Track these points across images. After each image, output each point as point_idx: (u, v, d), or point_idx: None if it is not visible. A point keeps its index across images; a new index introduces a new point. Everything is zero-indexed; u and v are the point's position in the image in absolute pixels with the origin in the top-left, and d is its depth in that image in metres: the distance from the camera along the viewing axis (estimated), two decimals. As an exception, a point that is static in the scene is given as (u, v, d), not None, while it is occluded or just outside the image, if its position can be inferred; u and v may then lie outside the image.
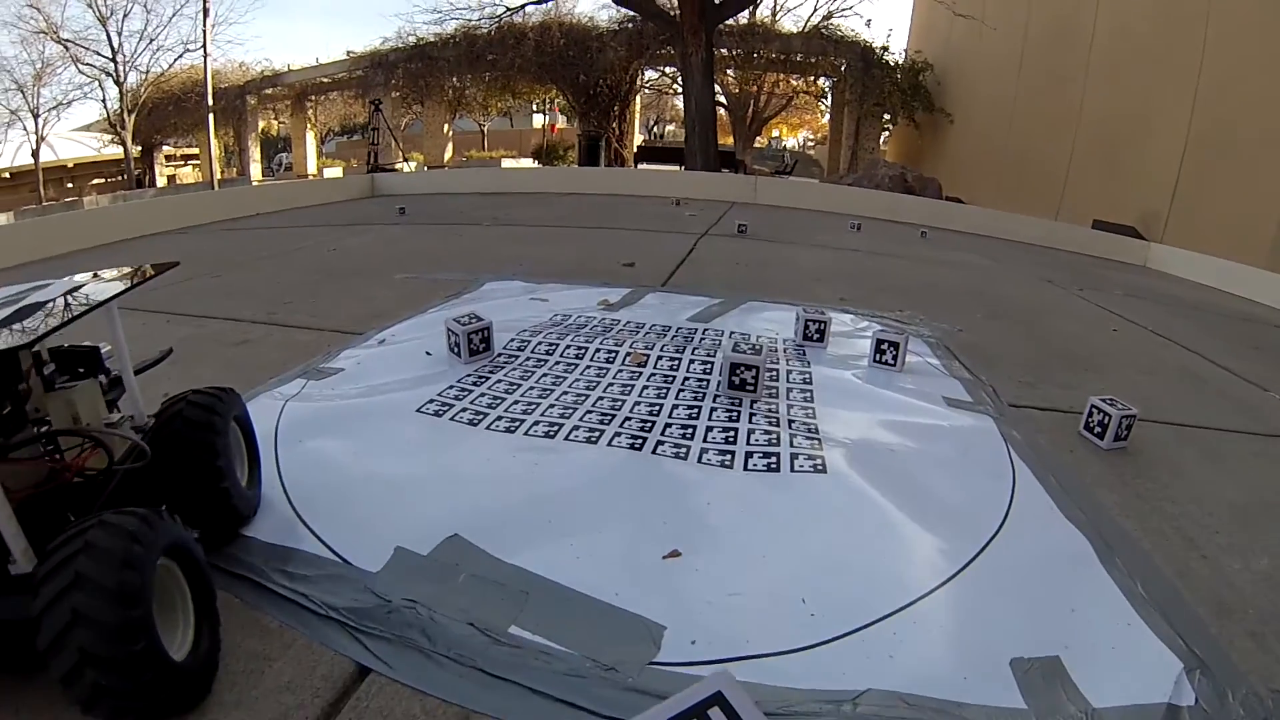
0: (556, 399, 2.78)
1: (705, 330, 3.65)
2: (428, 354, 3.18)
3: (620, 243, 6.48)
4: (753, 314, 4.09)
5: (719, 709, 1.09)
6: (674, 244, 6.49)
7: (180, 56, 24.32)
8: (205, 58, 18.12)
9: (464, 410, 2.67)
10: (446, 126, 27.08)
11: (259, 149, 27.77)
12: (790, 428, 2.60)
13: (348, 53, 25.45)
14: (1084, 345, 4.38)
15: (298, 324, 3.83)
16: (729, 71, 25.05)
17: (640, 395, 2.83)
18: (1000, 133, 17.41)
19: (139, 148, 25.55)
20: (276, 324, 3.83)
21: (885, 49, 22.76)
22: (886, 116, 22.77)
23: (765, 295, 4.60)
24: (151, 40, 23.84)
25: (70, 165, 26.56)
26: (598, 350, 3.21)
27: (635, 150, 24.45)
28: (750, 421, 2.63)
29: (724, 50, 22.17)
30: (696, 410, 2.72)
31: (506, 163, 25.82)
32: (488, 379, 2.94)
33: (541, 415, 2.64)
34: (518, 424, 2.57)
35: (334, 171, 21.98)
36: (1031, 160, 15.90)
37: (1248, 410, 3.59)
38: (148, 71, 24.31)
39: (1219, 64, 11.41)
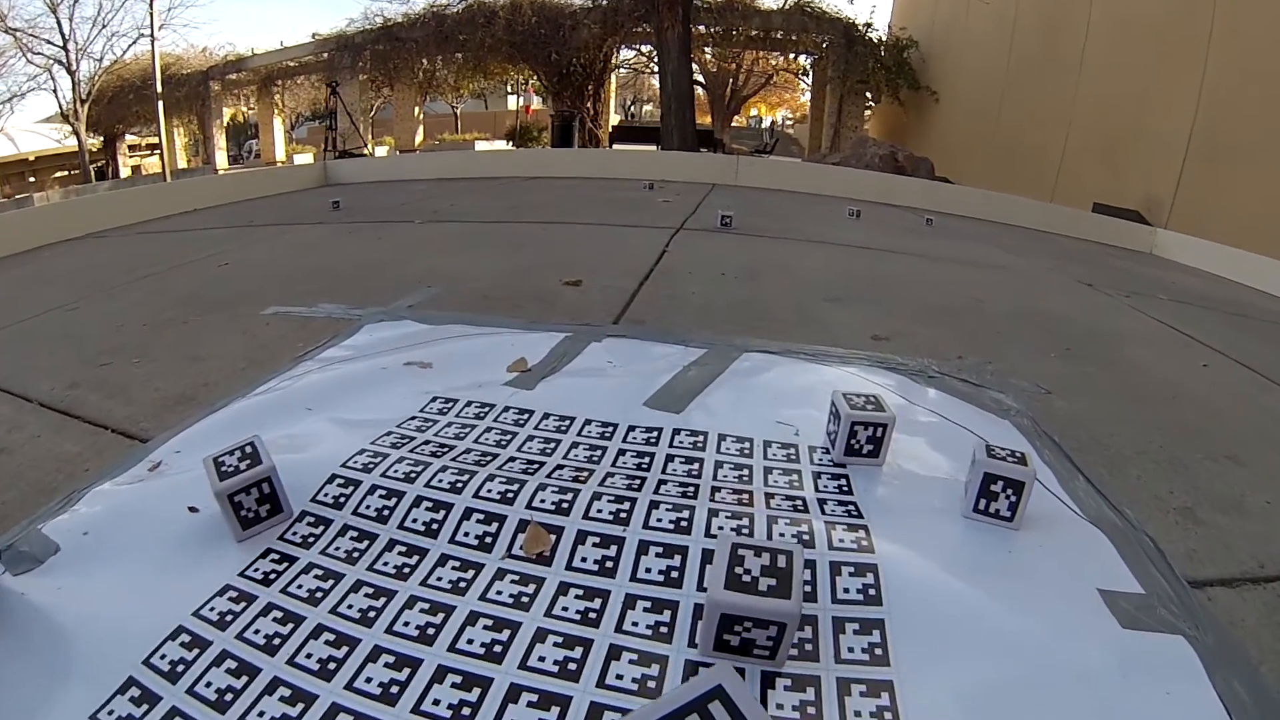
0: (385, 632, 1.26)
1: (675, 437, 1.98)
2: (192, 510, 1.59)
3: (575, 243, 4.90)
4: (753, 383, 2.39)
5: (719, 703, 0.90)
6: (641, 243, 4.89)
7: (135, 42, 22.51)
8: (153, 42, 16.32)
9: (219, 664, 1.18)
10: (417, 109, 25.82)
11: (224, 136, 25.86)
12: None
13: (313, 35, 24.01)
14: (1193, 402, 2.93)
15: (86, 412, 2.29)
16: (707, 50, 23.82)
17: (533, 656, 1.21)
18: (990, 111, 16.19)
19: (100, 138, 23.56)
20: (60, 410, 2.30)
21: (869, 25, 21.68)
22: (869, 95, 21.45)
23: (766, 332, 3.04)
24: (104, 26, 21.79)
25: (31, 159, 24.54)
26: (467, 519, 1.53)
27: (610, 130, 22.83)
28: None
29: (702, 28, 20.99)
30: (652, 683, 1.15)
31: (480, 145, 24.26)
32: (274, 577, 1.41)
33: (352, 680, 1.15)
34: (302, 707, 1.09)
35: (304, 157, 20.41)
36: (1024, 140, 14.69)
37: None
38: (102, 59, 22.27)
39: (1227, 43, 10.24)
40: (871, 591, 1.41)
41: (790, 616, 1.14)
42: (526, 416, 2.07)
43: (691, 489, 1.71)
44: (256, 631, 1.26)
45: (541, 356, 2.56)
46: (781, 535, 1.54)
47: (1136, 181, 11.67)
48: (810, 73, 25.59)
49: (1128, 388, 3.01)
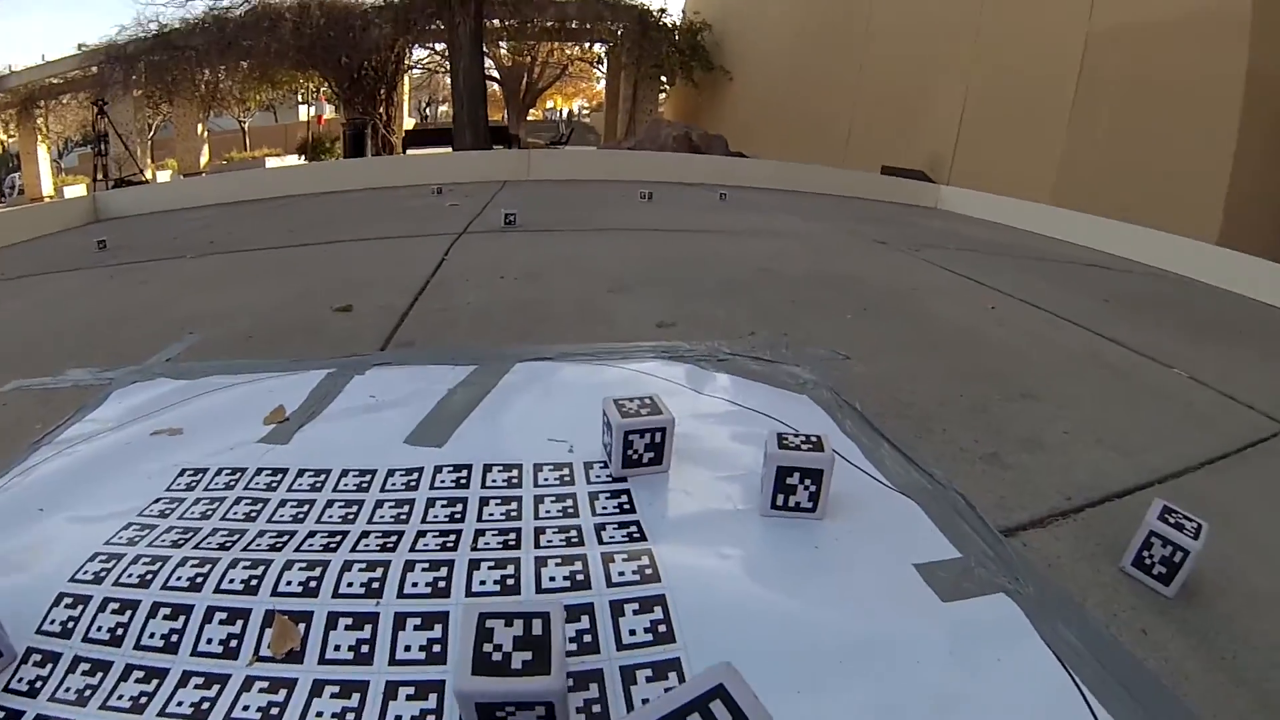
0: None
1: (437, 476, 1.73)
2: None
3: (352, 262, 4.48)
4: (523, 398, 2.17)
5: (720, 702, 0.89)
6: (421, 254, 4.54)
7: None
8: None
9: None
10: (200, 127, 23.43)
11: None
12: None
13: (79, 47, 20.83)
14: (987, 345, 3.04)
15: None
16: (501, 44, 23.37)
17: None
18: (782, 87, 17.09)
19: None
20: None
21: (663, 11, 21.99)
22: (664, 79, 21.97)
23: (544, 336, 2.81)
24: None
25: None
26: (209, 621, 1.27)
27: (404, 135, 21.95)
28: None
29: (495, 22, 20.46)
30: None
31: (271, 162, 22.36)
32: None
33: None
34: None
35: (76, 189, 17.73)
36: (815, 111, 15.55)
37: (1188, 410, 2.62)
38: None
39: (994, 24, 11.44)
40: (662, 628, 1.22)
41: (553, 695, 0.98)
42: (279, 478, 1.76)
43: (452, 538, 1.47)
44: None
45: (301, 401, 2.21)
46: (552, 580, 1.32)
47: (921, 143, 12.58)
48: (605, 61, 25.90)
49: (926, 340, 3.05)
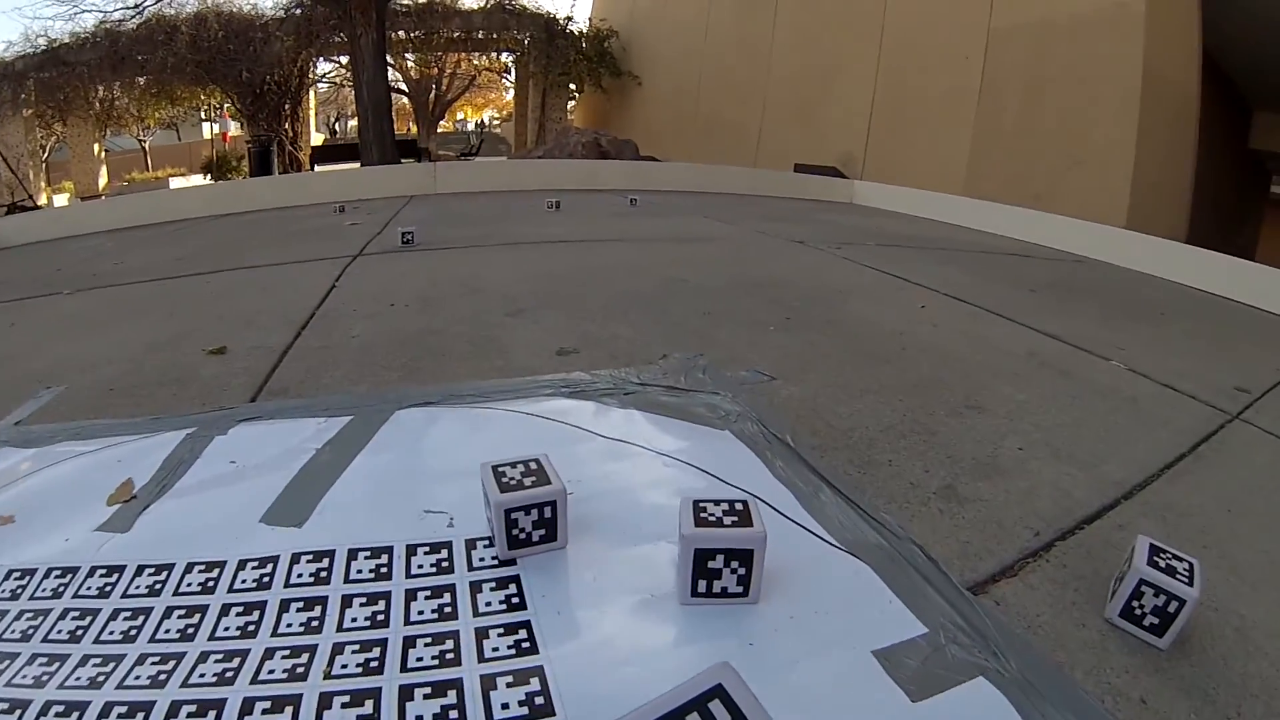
0: None
1: (294, 569, 1.38)
2: None
3: (238, 293, 3.99)
4: (398, 456, 1.81)
5: (719, 702, 0.86)
6: (311, 282, 4.08)
7: None
8: None
9: None
10: (98, 146, 21.86)
11: None
12: None
13: None
14: (923, 350, 2.81)
15: None
16: (408, 56, 22.77)
17: None
18: (691, 91, 17.08)
19: None
20: None
21: (569, 19, 21.76)
22: (573, 86, 21.73)
23: (433, 373, 2.45)
24: None
25: None
26: None
27: (311, 151, 21.09)
28: None
29: (401, 33, 19.87)
30: None
31: (176, 182, 21.07)
32: None
33: None
34: None
35: None
36: (724, 114, 15.54)
37: (1133, 406, 2.52)
38: None
39: (898, 24, 11.67)
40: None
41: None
42: (115, 579, 1.40)
43: (304, 662, 1.13)
44: None
45: (152, 472, 1.80)
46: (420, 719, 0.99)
47: (832, 141, 12.59)
48: (513, 70, 25.49)
49: (857, 349, 2.80)
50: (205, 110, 24.78)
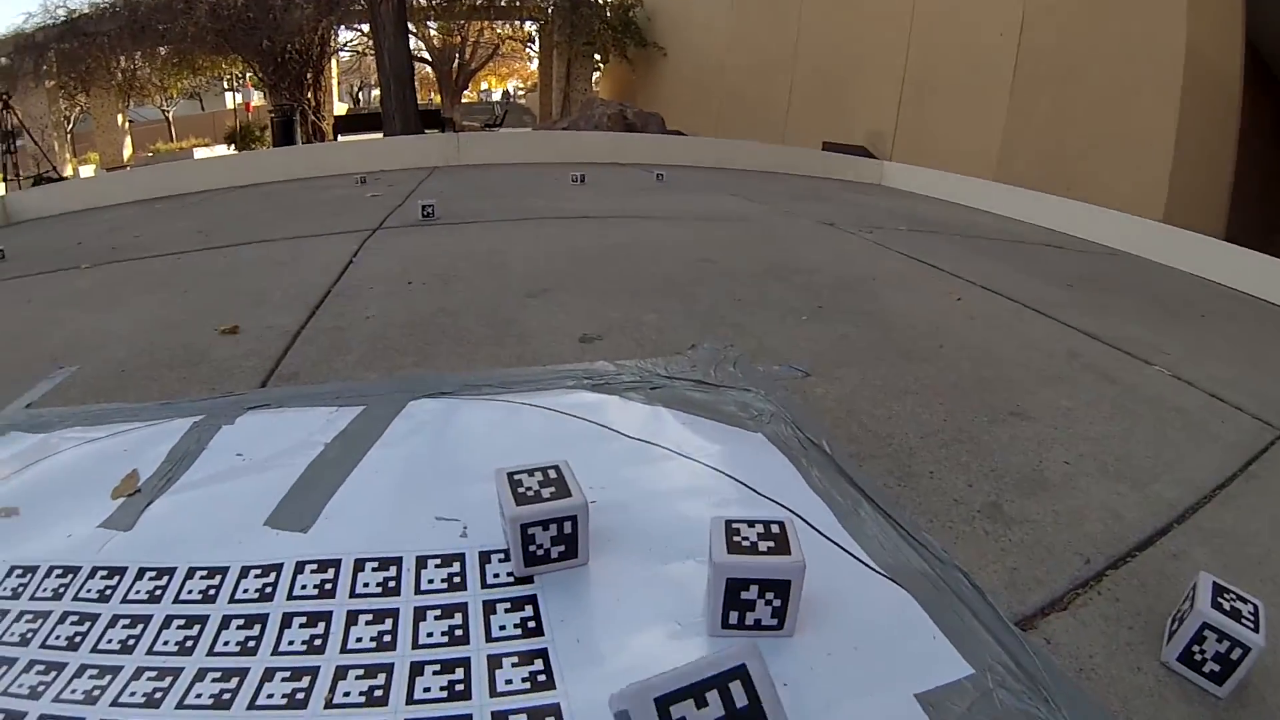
0: None
1: (298, 578, 1.30)
2: None
3: (253, 269, 3.91)
4: (410, 454, 1.70)
5: (740, 684, 0.85)
6: (328, 258, 3.98)
7: None
8: None
9: None
10: (121, 117, 21.99)
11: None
12: None
13: None
14: (960, 348, 2.69)
15: None
16: (431, 25, 22.63)
17: None
18: (717, 62, 16.73)
19: None
20: None
21: None
22: (598, 56, 21.47)
23: (448, 358, 2.36)
24: None
25: None
26: None
27: (334, 121, 21.01)
28: None
29: (421, 0, 19.65)
30: None
31: (200, 152, 21.11)
32: None
33: None
34: None
35: None
36: (752, 87, 15.21)
37: (1182, 418, 2.38)
38: None
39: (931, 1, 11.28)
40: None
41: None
42: (116, 581, 1.36)
43: (305, 685, 1.07)
44: None
45: (158, 463, 1.74)
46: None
47: (861, 119, 12.29)
48: (537, 40, 25.22)
49: (892, 345, 2.68)
50: (228, 80, 24.77)
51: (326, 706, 1.02)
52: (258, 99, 25.29)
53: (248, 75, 22.50)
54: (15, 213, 7.75)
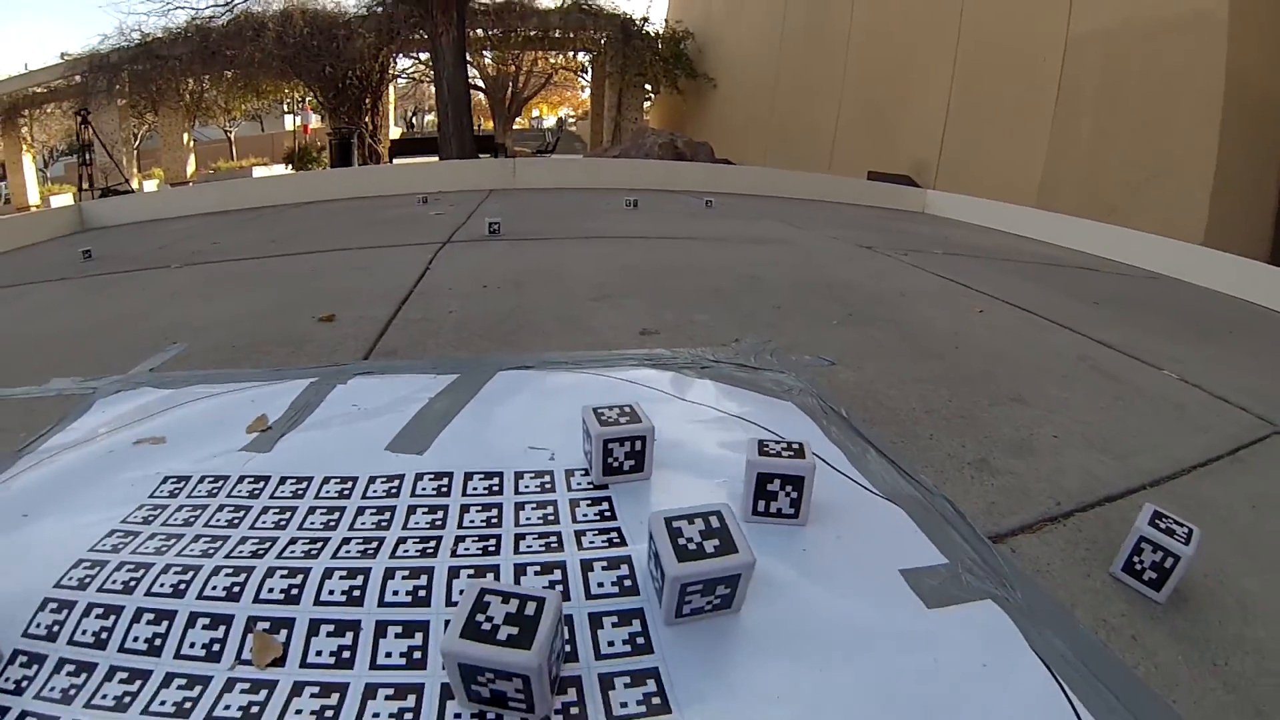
0: None
1: (418, 484, 1.71)
2: None
3: (336, 272, 4.45)
4: (504, 407, 2.16)
5: (715, 516, 1.26)
6: (404, 264, 4.53)
7: None
8: None
9: None
10: (186, 136, 23.33)
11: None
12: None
13: (62, 56, 20.82)
14: (975, 349, 3.05)
15: None
16: (486, 53, 23.55)
17: None
18: (766, 93, 17.27)
19: None
20: None
21: (645, 20, 22.20)
22: (649, 86, 22.17)
23: (525, 345, 2.80)
24: None
25: None
26: (192, 626, 1.27)
27: (390, 144, 21.97)
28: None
29: (479, 31, 20.62)
30: None
31: (258, 171, 22.32)
32: None
33: None
34: None
35: (63, 199, 17.50)
36: (799, 118, 15.71)
37: (1179, 412, 2.60)
38: None
39: (974, 30, 11.68)
40: (640, 640, 1.20)
41: (528, 669, 1.02)
42: (261, 485, 1.76)
43: (432, 545, 1.46)
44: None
45: (282, 410, 2.19)
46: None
47: (906, 148, 12.69)
48: (589, 69, 26.10)
49: (912, 345, 3.05)
50: (288, 103, 26.07)
51: (453, 555, 1.41)
52: (315, 121, 26.60)
53: (307, 99, 23.69)
54: (90, 220, 8.53)
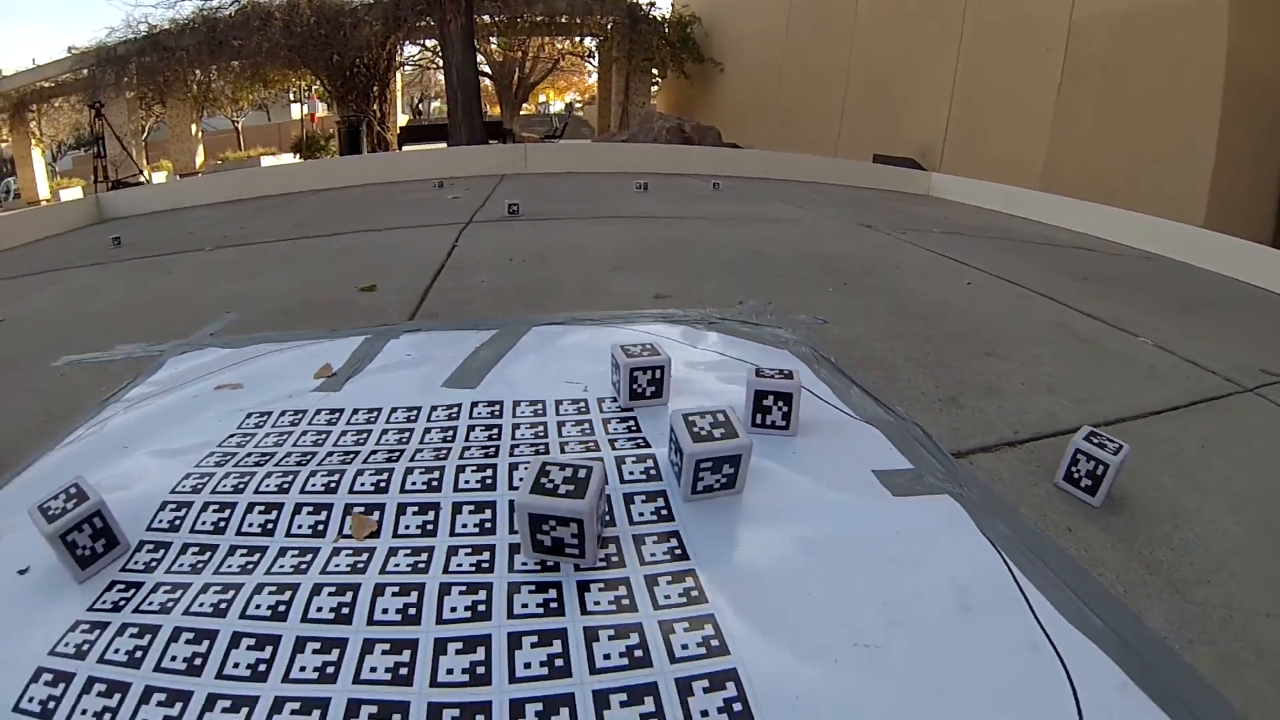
0: (240, 618, 1.32)
1: (474, 409, 2.09)
2: (20, 572, 1.51)
3: (367, 250, 4.81)
4: (541, 353, 2.53)
5: (723, 414, 1.59)
6: (431, 242, 4.90)
7: None
8: None
9: (89, 691, 1.20)
10: (194, 127, 23.52)
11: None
12: (668, 637, 1.25)
13: (69, 49, 21.01)
14: (959, 314, 3.38)
15: None
16: (492, 40, 23.65)
17: (376, 610, 1.32)
18: (772, 77, 17.48)
19: None
20: None
21: (652, 4, 22.30)
22: (655, 71, 22.33)
23: (553, 307, 3.17)
24: None
25: None
26: (298, 514, 1.62)
27: (398, 131, 22.21)
28: (586, 613, 1.30)
29: (486, 17, 20.73)
30: (483, 606, 1.32)
31: (266, 161, 22.55)
32: (124, 603, 1.40)
33: (220, 669, 1.22)
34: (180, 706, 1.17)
35: (73, 192, 17.82)
36: (805, 101, 15.92)
37: (1148, 371, 2.84)
38: None
39: (980, 14, 11.94)
40: (664, 511, 1.56)
41: (583, 513, 1.33)
42: (338, 415, 2.12)
43: (493, 450, 1.82)
44: (117, 651, 1.25)
45: (344, 360, 2.57)
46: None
47: (911, 132, 12.99)
48: (596, 54, 26.31)
49: (901, 310, 3.39)
50: (294, 92, 26.32)
51: (510, 455, 1.76)
52: (322, 110, 26.89)
53: (314, 88, 23.93)
54: (108, 211, 8.88)
